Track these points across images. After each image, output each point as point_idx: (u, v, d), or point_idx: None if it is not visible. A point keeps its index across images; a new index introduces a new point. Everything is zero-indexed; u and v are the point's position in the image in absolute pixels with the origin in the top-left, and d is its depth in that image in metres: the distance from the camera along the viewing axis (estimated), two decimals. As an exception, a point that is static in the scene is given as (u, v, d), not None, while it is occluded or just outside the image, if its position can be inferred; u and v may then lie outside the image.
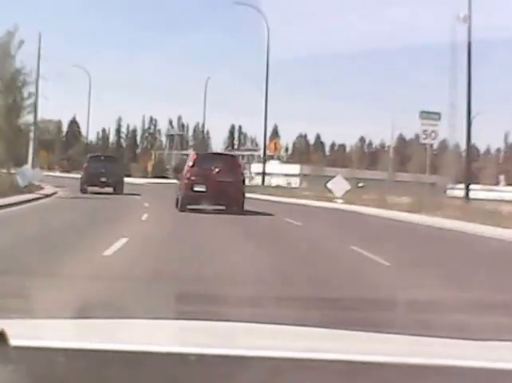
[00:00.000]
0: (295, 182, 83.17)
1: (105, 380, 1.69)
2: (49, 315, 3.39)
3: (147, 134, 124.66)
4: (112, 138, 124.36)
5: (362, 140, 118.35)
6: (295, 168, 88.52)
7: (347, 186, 33.32)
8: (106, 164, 35.08)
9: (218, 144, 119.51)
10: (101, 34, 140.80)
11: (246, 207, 23.02)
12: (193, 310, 5.22)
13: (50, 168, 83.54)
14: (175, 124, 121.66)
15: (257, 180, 71.57)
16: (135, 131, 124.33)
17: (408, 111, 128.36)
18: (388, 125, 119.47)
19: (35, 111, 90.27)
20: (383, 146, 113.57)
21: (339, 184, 33.14)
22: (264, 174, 57.45)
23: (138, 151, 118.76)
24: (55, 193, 32.44)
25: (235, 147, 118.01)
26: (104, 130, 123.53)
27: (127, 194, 33.66)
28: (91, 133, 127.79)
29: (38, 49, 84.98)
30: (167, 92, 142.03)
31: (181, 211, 21.47)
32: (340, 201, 32.54)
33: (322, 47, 66.24)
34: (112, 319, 3.06)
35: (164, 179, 76.88)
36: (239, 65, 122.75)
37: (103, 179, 34.35)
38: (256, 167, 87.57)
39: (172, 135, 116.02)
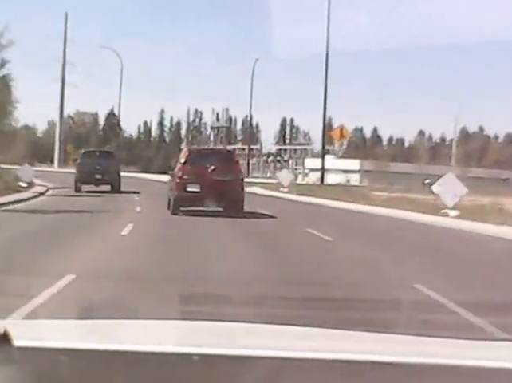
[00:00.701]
0: (355, 179, 71.41)
1: (108, 380, 1.69)
2: None
3: (192, 127, 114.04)
4: (154, 132, 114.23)
5: (421, 133, 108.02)
6: (354, 164, 76.73)
7: (463, 189, 20.40)
8: (101, 160, 32.96)
9: (268, 139, 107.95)
10: (135, 25, 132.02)
11: (309, 228, 15.86)
12: None
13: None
14: (222, 117, 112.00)
15: (312, 177, 61.09)
16: (179, 124, 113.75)
17: (471, 104, 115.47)
18: (448, 118, 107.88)
19: (61, 102, 78.48)
20: (443, 140, 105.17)
21: (451, 188, 20.42)
22: (323, 170, 45.48)
23: (182, 145, 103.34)
24: (28, 199, 24.48)
25: (287, 141, 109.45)
26: (145, 123, 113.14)
27: (125, 192, 30.72)
28: (132, 126, 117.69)
29: (64, 30, 72.35)
30: (213, 83, 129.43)
31: (173, 214, 18.84)
32: (453, 213, 20.07)
33: (377, 40, 58.54)
34: (115, 319, 2.97)
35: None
36: (288, 56, 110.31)
37: (98, 177, 32.10)
38: (310, 163, 76.68)
39: (218, 127, 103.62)
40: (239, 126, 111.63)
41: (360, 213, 23.06)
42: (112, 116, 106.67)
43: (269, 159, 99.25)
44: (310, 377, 1.70)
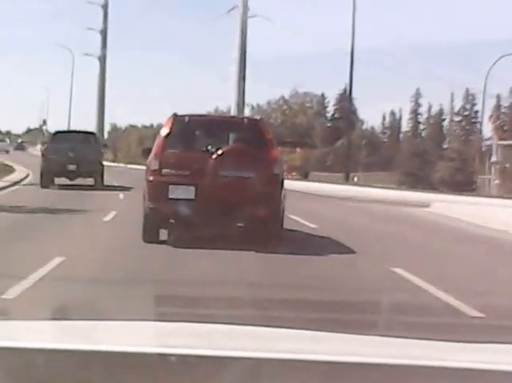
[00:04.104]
0: None
1: (84, 380, 1.74)
2: None
3: (460, 118, 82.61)
4: (405, 124, 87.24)
5: None
6: None
7: None
8: (76, 145, 26.19)
9: None
10: None
11: None
12: None
13: (290, 172, 45.35)
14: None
15: None
16: (441, 113, 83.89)
17: None
18: None
19: (243, 72, 52.08)
20: None
21: None
22: None
23: (445, 144, 77.49)
24: None
25: None
26: (393, 113, 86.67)
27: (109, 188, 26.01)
28: (374, 117, 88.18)
29: None
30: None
31: (146, 241, 11.83)
32: None
33: None
34: (90, 321, 2.94)
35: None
36: None
37: (71, 168, 25.77)
38: None
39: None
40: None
41: None
42: (345, 100, 74.63)
43: None
44: (289, 378, 1.75)
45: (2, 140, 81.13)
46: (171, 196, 11.77)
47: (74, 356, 1.75)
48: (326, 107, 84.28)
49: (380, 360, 1.81)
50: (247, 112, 63.28)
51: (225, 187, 11.67)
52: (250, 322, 3.74)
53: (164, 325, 2.77)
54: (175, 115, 12.76)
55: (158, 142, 12.37)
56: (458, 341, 2.31)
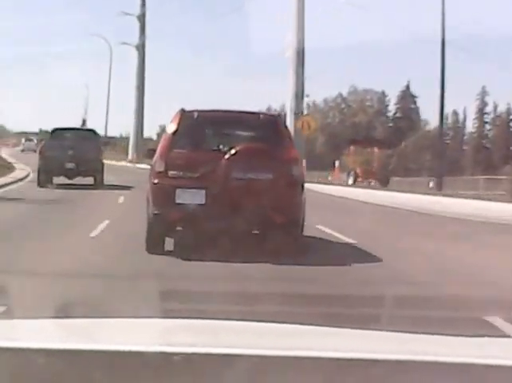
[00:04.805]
0: None
1: (87, 381, 1.75)
2: None
3: None
4: (470, 123, 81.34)
5: None
6: None
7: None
8: (75, 143, 25.65)
9: None
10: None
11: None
12: None
13: (367, 178, 42.62)
14: None
15: None
16: (509, 112, 77.52)
17: None
18: None
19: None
20: None
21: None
22: None
23: None
24: None
25: None
26: (455, 113, 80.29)
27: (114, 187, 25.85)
28: (434, 116, 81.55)
29: None
30: None
31: (150, 251, 11.45)
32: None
33: None
34: (93, 319, 3.09)
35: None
36: None
37: (70, 166, 25.20)
38: None
39: None
40: None
41: None
42: (408, 98, 68.66)
43: None
44: (295, 374, 1.76)
45: (30, 140, 79.95)
46: (178, 201, 11.29)
47: (77, 355, 1.76)
48: (387, 105, 79.95)
49: (385, 355, 1.84)
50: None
51: (238, 190, 11.17)
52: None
53: (168, 322, 2.81)
54: (182, 110, 12.08)
55: (164, 141, 11.84)
56: (460, 336, 2.32)
